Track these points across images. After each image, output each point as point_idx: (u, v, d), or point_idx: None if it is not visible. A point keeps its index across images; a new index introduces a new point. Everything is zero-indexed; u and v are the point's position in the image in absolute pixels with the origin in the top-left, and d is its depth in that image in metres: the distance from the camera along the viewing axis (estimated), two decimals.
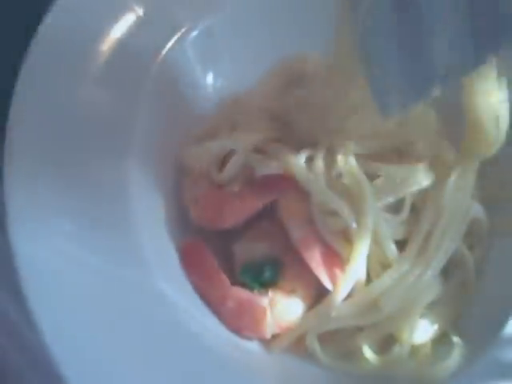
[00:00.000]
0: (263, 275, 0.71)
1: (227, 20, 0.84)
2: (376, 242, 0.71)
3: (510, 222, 0.79)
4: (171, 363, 0.63)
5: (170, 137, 0.79)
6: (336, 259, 0.71)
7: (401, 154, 0.76)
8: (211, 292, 0.71)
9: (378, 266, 0.71)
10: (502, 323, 0.71)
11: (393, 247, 0.71)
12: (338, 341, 0.73)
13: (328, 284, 0.70)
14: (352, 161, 0.72)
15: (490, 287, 0.76)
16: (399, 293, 0.70)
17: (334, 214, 0.71)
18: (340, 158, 0.72)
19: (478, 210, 0.76)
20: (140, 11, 0.79)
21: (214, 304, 0.71)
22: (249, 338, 0.71)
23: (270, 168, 0.72)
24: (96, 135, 0.72)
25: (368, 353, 0.71)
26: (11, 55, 0.72)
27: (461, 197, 0.75)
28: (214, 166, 0.77)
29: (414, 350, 0.72)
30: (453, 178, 0.74)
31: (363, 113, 0.72)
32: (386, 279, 0.70)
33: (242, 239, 0.75)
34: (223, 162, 0.77)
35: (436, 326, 0.73)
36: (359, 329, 0.72)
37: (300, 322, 0.72)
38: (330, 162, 0.73)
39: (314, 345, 0.71)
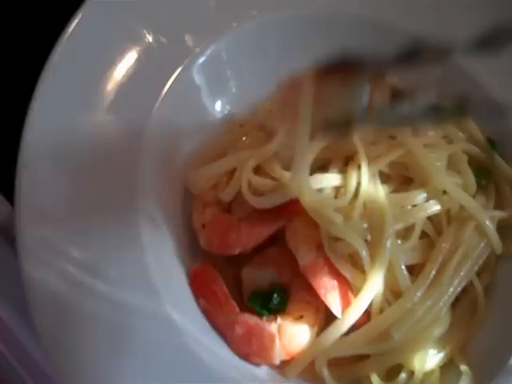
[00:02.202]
0: (271, 302, 0.72)
1: (233, 44, 0.84)
2: (389, 269, 0.71)
3: None
4: None
5: (178, 162, 0.80)
6: (344, 285, 0.71)
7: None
8: (220, 318, 0.71)
9: (389, 293, 0.71)
10: (510, 351, 0.71)
11: (405, 275, 0.71)
12: (347, 367, 0.73)
13: (336, 311, 0.70)
14: (379, 188, 0.73)
15: (497, 314, 0.76)
16: (410, 323, 0.70)
17: (343, 239, 0.72)
18: (367, 184, 0.72)
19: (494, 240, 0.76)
20: (150, 38, 0.80)
21: (222, 330, 0.71)
22: (257, 365, 0.72)
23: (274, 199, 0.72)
24: (106, 163, 0.73)
25: (376, 381, 0.71)
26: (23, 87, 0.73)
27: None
28: (220, 185, 0.78)
29: (423, 377, 0.72)
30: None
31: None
32: (397, 309, 0.70)
33: (249, 265, 0.75)
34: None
35: (443, 353, 0.73)
36: (367, 356, 0.72)
37: (311, 348, 0.72)
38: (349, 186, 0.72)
39: (324, 371, 0.71)
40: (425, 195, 0.74)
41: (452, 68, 0.75)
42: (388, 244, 0.70)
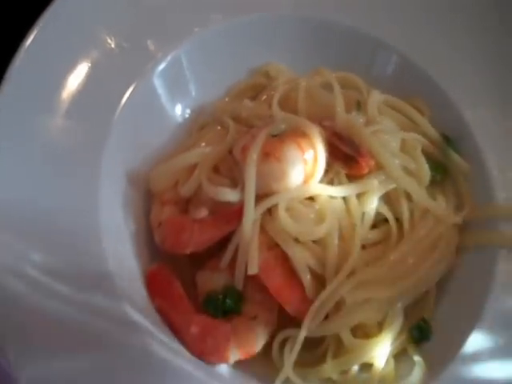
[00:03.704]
0: (225, 305, 0.73)
1: (194, 48, 0.86)
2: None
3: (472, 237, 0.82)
4: None
5: (139, 164, 0.82)
6: (296, 284, 0.73)
7: None
8: (175, 317, 0.73)
9: None
10: (460, 341, 0.73)
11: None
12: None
13: (290, 309, 0.72)
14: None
15: (451, 305, 0.78)
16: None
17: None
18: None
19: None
20: (112, 44, 0.81)
21: (178, 329, 0.72)
22: (212, 364, 0.73)
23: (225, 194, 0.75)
24: (67, 163, 0.74)
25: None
26: None
27: None
28: (181, 181, 0.79)
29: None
30: None
31: None
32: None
33: (203, 268, 0.77)
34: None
35: (397, 343, 0.75)
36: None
37: None
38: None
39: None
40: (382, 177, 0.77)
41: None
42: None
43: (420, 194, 0.78)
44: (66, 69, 0.78)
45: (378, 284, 0.74)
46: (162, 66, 0.84)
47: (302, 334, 0.70)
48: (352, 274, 0.73)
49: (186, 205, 0.80)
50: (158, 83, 0.84)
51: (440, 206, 0.80)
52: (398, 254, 0.75)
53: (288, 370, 0.72)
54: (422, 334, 0.77)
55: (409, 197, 0.79)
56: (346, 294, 0.71)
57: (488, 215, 0.81)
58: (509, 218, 0.79)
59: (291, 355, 0.71)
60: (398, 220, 0.78)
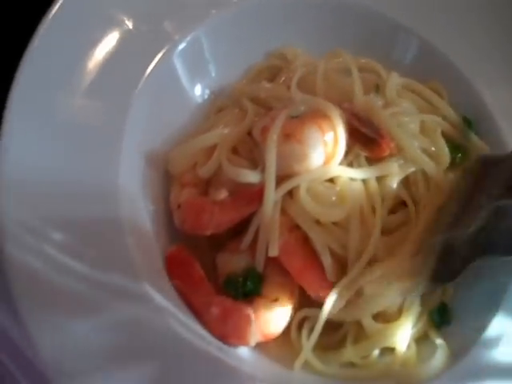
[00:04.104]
0: (246, 287, 0.72)
1: (212, 30, 0.86)
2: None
3: None
4: (162, 367, 0.65)
5: (159, 145, 0.81)
6: (317, 266, 0.72)
7: None
8: (196, 298, 0.72)
9: None
10: (483, 326, 0.73)
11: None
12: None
13: (311, 291, 0.72)
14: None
15: (472, 290, 0.78)
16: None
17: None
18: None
19: None
20: (130, 24, 0.81)
21: (198, 310, 0.72)
22: (233, 346, 0.72)
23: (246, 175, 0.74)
24: (87, 141, 0.74)
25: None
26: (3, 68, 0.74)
27: None
28: (200, 162, 0.79)
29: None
30: None
31: None
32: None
33: (223, 250, 0.76)
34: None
35: (418, 327, 0.75)
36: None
37: None
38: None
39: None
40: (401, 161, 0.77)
41: None
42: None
43: (439, 176, 0.78)
44: (85, 49, 0.78)
45: (399, 275, 0.73)
46: (181, 47, 0.83)
47: (322, 318, 0.70)
48: (373, 260, 0.73)
49: (205, 187, 0.80)
50: (177, 63, 0.83)
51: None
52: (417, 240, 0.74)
53: (307, 353, 0.72)
54: (442, 318, 0.77)
55: (427, 180, 0.78)
56: (366, 285, 0.71)
57: None
58: None
59: (311, 338, 0.71)
60: (416, 204, 0.78)
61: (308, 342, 0.72)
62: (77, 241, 0.69)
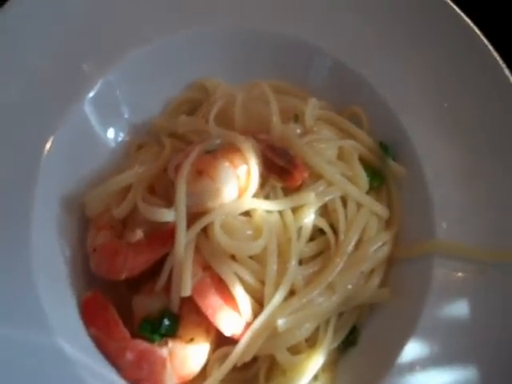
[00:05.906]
0: (161, 329, 0.71)
1: (124, 71, 0.85)
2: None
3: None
4: None
5: (74, 191, 0.80)
6: (232, 303, 0.71)
7: None
8: (111, 344, 0.71)
9: None
10: (397, 351, 0.71)
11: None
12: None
13: (225, 330, 0.70)
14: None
15: (385, 314, 0.78)
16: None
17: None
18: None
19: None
20: (40, 69, 0.80)
21: (113, 357, 0.70)
22: None
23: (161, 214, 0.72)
24: None
25: None
26: None
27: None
28: (115, 203, 0.78)
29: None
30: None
31: None
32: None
33: (139, 293, 0.75)
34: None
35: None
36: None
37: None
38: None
39: None
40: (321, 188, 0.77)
41: None
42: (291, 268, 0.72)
43: (361, 196, 0.79)
44: None
45: (315, 305, 0.73)
46: (92, 94, 0.82)
47: (234, 356, 0.69)
48: (291, 292, 0.72)
49: (122, 229, 0.78)
50: (88, 110, 0.83)
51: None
52: (335, 268, 0.74)
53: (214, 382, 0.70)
54: (348, 339, 0.77)
55: (346, 206, 0.79)
56: (280, 323, 0.70)
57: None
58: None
59: (219, 372, 0.70)
60: (335, 230, 0.77)
61: (215, 375, 0.70)
62: None
